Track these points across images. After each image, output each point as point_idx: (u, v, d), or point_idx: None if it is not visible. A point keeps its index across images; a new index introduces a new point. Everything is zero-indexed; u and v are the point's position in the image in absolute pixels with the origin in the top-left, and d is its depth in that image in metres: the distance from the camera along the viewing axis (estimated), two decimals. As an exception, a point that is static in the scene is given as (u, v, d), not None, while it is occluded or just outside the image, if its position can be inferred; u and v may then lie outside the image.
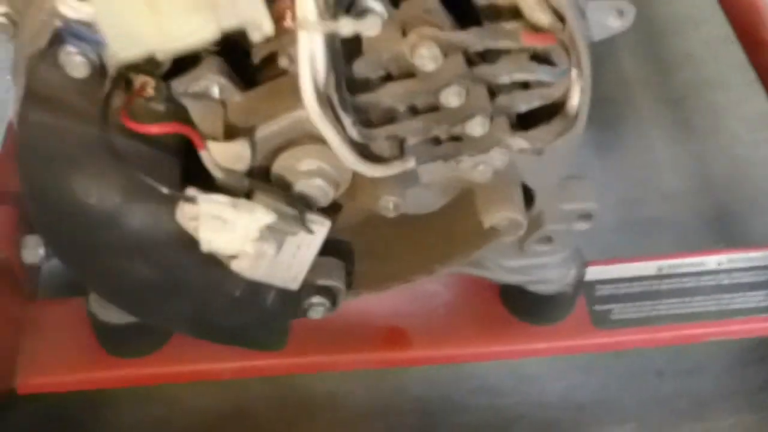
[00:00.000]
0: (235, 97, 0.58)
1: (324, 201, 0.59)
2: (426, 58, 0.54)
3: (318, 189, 0.58)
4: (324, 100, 0.52)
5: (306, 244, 0.59)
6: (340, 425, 0.93)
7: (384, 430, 0.93)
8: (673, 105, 1.25)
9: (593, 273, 0.85)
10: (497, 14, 0.58)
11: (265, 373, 0.82)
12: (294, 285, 0.63)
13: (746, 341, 0.98)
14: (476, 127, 0.57)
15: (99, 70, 0.54)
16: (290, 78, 0.56)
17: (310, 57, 0.50)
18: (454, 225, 0.70)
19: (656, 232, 1.10)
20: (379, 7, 0.53)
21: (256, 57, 0.57)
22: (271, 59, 0.58)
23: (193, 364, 0.79)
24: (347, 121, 0.54)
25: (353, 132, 0.55)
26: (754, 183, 1.17)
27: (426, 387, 0.97)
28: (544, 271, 0.78)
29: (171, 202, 0.55)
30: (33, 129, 0.54)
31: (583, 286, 0.83)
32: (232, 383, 0.90)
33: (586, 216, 0.71)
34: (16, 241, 0.67)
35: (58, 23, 0.52)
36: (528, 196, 0.67)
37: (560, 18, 0.57)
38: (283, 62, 0.57)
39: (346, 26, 0.50)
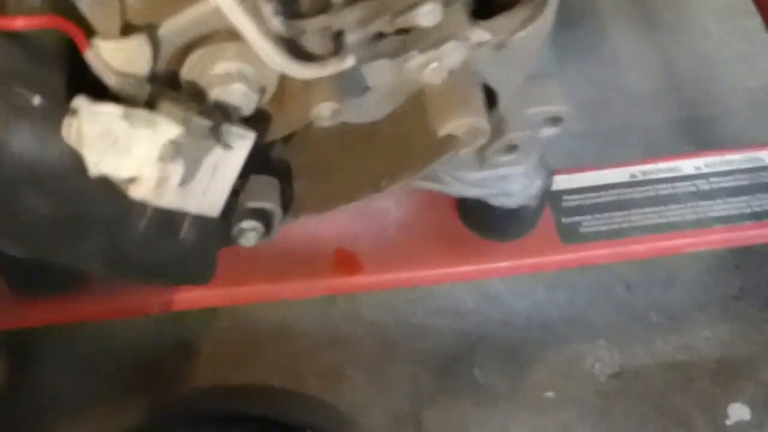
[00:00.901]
0: (133, -7, 0.47)
1: (246, 110, 0.50)
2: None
3: (238, 95, 0.49)
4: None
5: (224, 162, 0.50)
6: (289, 358, 0.86)
7: (336, 360, 0.86)
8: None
9: (559, 182, 0.77)
10: None
11: (197, 305, 0.73)
12: (213, 211, 0.54)
13: (719, 249, 0.92)
14: (427, 16, 0.47)
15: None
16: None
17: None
18: (404, 134, 0.60)
19: (623, 138, 1.02)
20: None
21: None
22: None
23: (115, 301, 0.70)
24: (267, 9, 0.44)
25: (276, 23, 0.45)
26: (724, 80, 1.09)
27: (380, 311, 0.90)
28: (507, 183, 0.70)
29: (54, 117, 0.45)
30: None
31: (549, 197, 0.75)
32: (166, 317, 0.82)
33: (555, 120, 0.62)
34: None
35: None
36: (489, 99, 0.58)
37: None
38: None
39: None
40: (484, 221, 0.75)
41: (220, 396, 0.82)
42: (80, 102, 0.43)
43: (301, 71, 0.47)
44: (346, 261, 0.74)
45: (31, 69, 0.45)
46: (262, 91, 0.50)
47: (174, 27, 0.47)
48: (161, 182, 0.47)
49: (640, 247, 0.76)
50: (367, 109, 0.57)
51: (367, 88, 0.54)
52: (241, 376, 0.85)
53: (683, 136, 1.03)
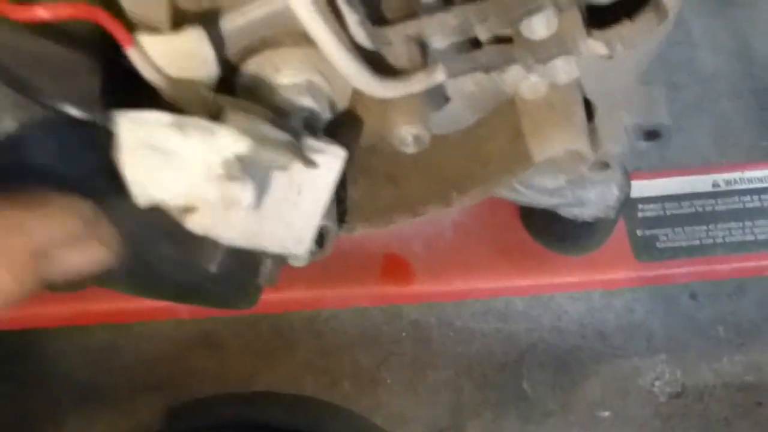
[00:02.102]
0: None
1: (312, 126, 0.41)
2: None
3: (303, 110, 0.40)
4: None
5: (310, 185, 0.41)
6: (323, 357, 0.79)
7: (373, 362, 0.79)
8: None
9: (634, 189, 0.69)
10: None
11: (229, 313, 0.66)
12: (300, 248, 0.45)
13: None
14: (539, 27, 0.39)
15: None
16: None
17: None
18: (480, 142, 0.52)
19: (692, 125, 0.93)
20: None
21: None
22: None
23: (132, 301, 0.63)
24: (353, 17, 0.35)
25: (360, 33, 0.36)
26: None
27: (423, 311, 0.82)
28: (583, 191, 0.62)
29: (86, 127, 0.36)
30: None
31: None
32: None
33: (654, 134, 0.54)
34: None
35: None
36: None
37: None
38: None
39: None
40: (550, 232, 0.67)
41: (242, 402, 0.76)
42: (117, 112, 0.35)
43: (384, 90, 0.39)
44: (396, 268, 0.67)
45: (63, 68, 0.36)
46: (332, 105, 0.42)
47: (238, 22, 0.38)
48: (227, 209, 0.38)
49: (723, 268, 0.68)
50: (443, 120, 0.49)
51: (447, 99, 0.45)
52: (271, 375, 0.78)
53: (759, 127, 0.94)
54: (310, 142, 0.39)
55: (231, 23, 0.38)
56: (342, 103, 0.42)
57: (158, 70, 0.38)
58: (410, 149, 0.43)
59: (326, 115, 0.41)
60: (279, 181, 0.39)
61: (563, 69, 0.41)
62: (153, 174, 0.37)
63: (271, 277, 0.43)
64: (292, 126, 0.39)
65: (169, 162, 0.36)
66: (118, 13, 0.39)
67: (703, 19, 1.02)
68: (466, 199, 0.54)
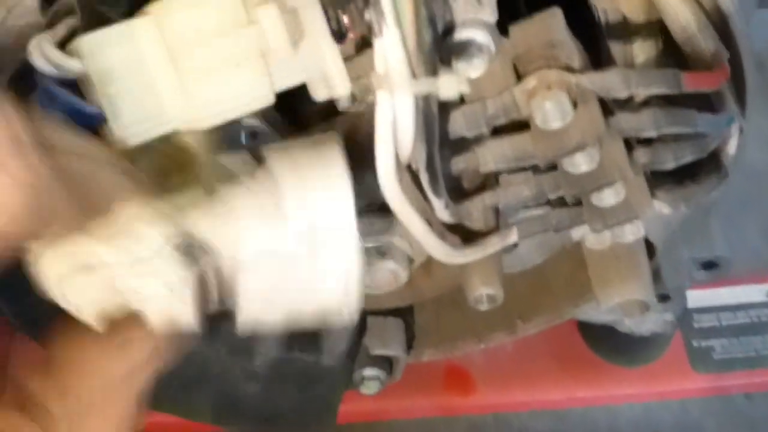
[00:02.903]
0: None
1: (390, 286, 0.44)
2: (551, 113, 0.38)
3: (386, 273, 0.43)
4: (407, 181, 0.37)
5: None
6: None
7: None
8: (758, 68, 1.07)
9: (690, 299, 0.71)
10: (629, 31, 0.43)
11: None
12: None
13: None
14: (608, 197, 0.41)
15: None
16: (351, 123, 0.41)
17: (392, 126, 0.34)
18: (547, 274, 0.55)
19: (740, 223, 0.94)
20: (484, 39, 0.37)
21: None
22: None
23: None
24: (438, 204, 0.38)
25: (444, 215, 0.39)
26: None
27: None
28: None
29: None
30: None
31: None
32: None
33: (712, 264, 0.56)
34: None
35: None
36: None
37: (725, 37, 0.41)
38: (342, 103, 0.41)
39: (449, 84, 0.34)
40: (609, 345, 0.69)
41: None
42: None
43: (464, 258, 0.41)
44: (457, 378, 0.69)
45: None
46: (410, 262, 0.45)
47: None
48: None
49: (781, 380, 0.69)
50: (511, 261, 0.51)
51: (515, 245, 0.48)
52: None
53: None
54: None
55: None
56: (419, 260, 0.45)
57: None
58: (484, 307, 0.45)
59: (404, 274, 0.44)
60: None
61: (630, 230, 0.44)
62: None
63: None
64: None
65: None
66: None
67: (752, 116, 1.03)
68: (531, 327, 0.56)
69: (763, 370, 0.69)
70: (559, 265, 0.54)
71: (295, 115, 0.43)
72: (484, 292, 0.44)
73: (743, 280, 0.73)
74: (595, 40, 0.44)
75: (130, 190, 0.31)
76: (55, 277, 0.31)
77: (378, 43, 0.33)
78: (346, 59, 0.41)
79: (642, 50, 0.44)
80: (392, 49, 0.32)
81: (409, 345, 0.57)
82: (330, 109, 0.42)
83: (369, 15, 0.32)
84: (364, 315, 0.54)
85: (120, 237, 0.30)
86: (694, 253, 0.55)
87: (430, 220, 0.39)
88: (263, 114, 0.41)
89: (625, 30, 0.44)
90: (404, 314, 0.57)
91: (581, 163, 0.40)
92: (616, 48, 0.44)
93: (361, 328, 0.54)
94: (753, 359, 0.69)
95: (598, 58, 0.44)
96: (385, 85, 0.33)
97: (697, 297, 0.72)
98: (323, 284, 0.33)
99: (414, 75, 0.33)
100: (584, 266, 0.51)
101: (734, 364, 0.69)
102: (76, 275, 0.31)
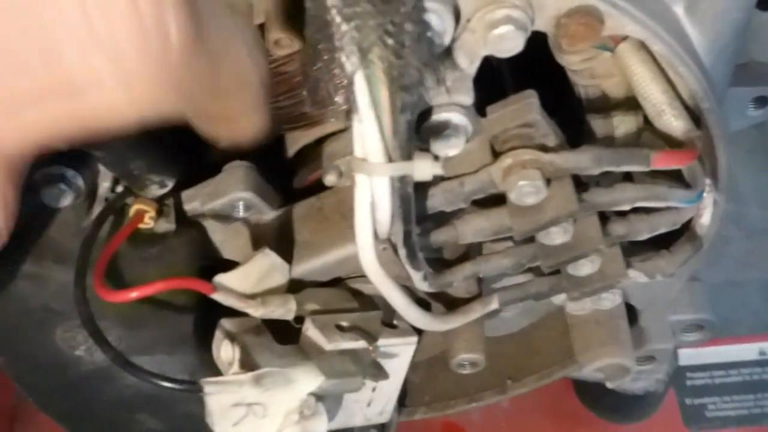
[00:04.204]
0: (267, 215, 0.44)
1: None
2: (525, 191, 0.40)
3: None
4: (388, 254, 0.39)
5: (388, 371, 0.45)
6: None
7: None
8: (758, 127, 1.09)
9: (682, 357, 0.72)
10: (609, 106, 0.45)
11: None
12: (383, 418, 0.50)
13: None
14: (584, 267, 0.43)
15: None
16: (338, 196, 0.43)
17: (369, 205, 0.37)
18: (535, 338, 0.56)
19: (744, 280, 0.95)
20: (460, 120, 0.39)
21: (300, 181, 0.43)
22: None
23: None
24: (417, 276, 0.40)
25: (424, 286, 0.41)
26: None
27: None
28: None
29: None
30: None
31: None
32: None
33: (699, 326, 0.57)
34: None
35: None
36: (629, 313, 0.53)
37: (694, 118, 0.43)
38: (329, 178, 0.43)
39: (423, 167, 0.36)
40: (603, 403, 0.70)
41: None
42: (204, 381, 0.40)
43: (445, 326, 0.43)
44: (452, 435, 0.70)
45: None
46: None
47: (309, 268, 0.43)
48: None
49: (774, 439, 0.70)
50: (497, 325, 0.53)
51: (498, 311, 0.50)
52: None
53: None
54: (383, 341, 0.44)
55: (303, 267, 0.43)
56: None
57: (242, 298, 0.43)
58: (466, 371, 0.47)
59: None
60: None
61: (608, 298, 0.45)
62: (239, 425, 0.41)
63: None
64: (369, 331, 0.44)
65: (253, 412, 0.41)
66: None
67: (751, 174, 1.04)
68: (521, 387, 0.57)
69: (755, 429, 0.70)
70: (546, 328, 0.55)
71: (286, 189, 0.45)
72: (465, 357, 0.46)
73: (736, 339, 0.75)
74: (575, 109, 0.47)
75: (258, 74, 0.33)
76: None
77: (356, 128, 0.35)
78: (336, 135, 0.44)
79: (622, 122, 0.46)
80: (369, 135, 0.34)
81: (402, 403, 0.58)
82: (318, 183, 0.45)
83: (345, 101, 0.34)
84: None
85: None
86: (680, 316, 0.57)
87: (411, 288, 0.41)
88: (257, 188, 0.44)
89: (605, 104, 0.46)
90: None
91: (556, 237, 0.42)
92: (596, 121, 0.46)
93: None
94: (745, 417, 0.70)
95: (580, 127, 0.46)
96: (363, 168, 0.35)
97: (690, 355, 0.73)
98: None
99: (390, 159, 0.35)
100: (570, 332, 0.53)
101: (727, 421, 0.70)
102: None
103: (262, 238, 0.45)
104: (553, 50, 0.42)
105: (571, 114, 0.47)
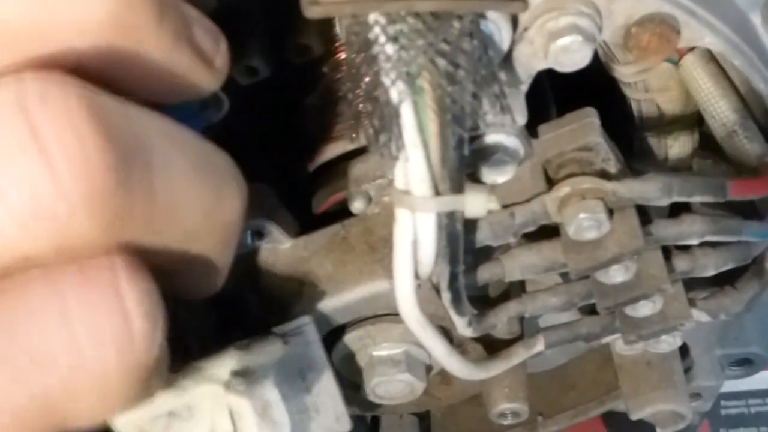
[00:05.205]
0: (284, 244, 0.39)
1: (405, 398, 0.41)
2: (585, 224, 0.34)
3: (399, 385, 0.40)
4: (427, 294, 0.33)
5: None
6: None
7: None
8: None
9: (717, 384, 0.67)
10: (664, 123, 0.40)
11: None
12: (341, 425, 0.43)
13: None
14: (644, 308, 0.38)
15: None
16: (365, 224, 0.38)
17: (412, 245, 0.31)
18: (571, 374, 0.51)
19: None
20: (512, 143, 0.34)
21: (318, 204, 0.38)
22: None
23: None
24: (461, 322, 0.35)
25: (467, 332, 0.36)
26: None
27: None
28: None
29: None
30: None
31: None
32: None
33: (746, 361, 0.52)
34: None
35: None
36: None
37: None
38: (357, 205, 0.38)
39: (476, 201, 0.31)
40: (633, 434, 0.65)
41: None
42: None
43: (487, 373, 0.38)
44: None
45: None
46: (428, 370, 0.41)
47: (330, 306, 0.38)
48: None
49: (814, 474, 0.65)
50: (534, 362, 0.48)
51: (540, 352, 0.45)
52: None
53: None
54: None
55: (325, 304, 0.38)
56: (438, 367, 0.42)
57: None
58: (508, 422, 0.42)
59: (420, 385, 0.41)
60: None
61: (667, 341, 0.40)
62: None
63: None
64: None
65: (178, 418, 0.35)
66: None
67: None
68: (553, 425, 0.52)
69: (795, 463, 0.65)
70: (583, 360, 0.50)
71: (305, 215, 0.40)
72: (508, 407, 0.41)
73: (771, 364, 0.70)
74: (622, 125, 0.42)
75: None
76: None
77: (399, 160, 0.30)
78: (359, 154, 0.39)
79: (676, 142, 0.41)
80: (414, 163, 0.29)
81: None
82: (341, 208, 0.39)
83: (389, 133, 0.28)
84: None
85: None
86: (728, 350, 0.52)
87: (449, 331, 0.36)
88: (273, 214, 0.38)
89: (660, 122, 0.41)
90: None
91: (616, 275, 0.37)
92: (649, 140, 0.41)
93: (374, 426, 0.51)
94: (784, 450, 0.66)
95: (628, 144, 0.41)
96: (406, 203, 0.30)
97: (725, 382, 0.68)
98: None
99: (437, 191, 0.30)
100: (610, 363, 0.48)
101: (764, 455, 0.65)
102: None
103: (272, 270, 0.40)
104: (605, 61, 0.37)
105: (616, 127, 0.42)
